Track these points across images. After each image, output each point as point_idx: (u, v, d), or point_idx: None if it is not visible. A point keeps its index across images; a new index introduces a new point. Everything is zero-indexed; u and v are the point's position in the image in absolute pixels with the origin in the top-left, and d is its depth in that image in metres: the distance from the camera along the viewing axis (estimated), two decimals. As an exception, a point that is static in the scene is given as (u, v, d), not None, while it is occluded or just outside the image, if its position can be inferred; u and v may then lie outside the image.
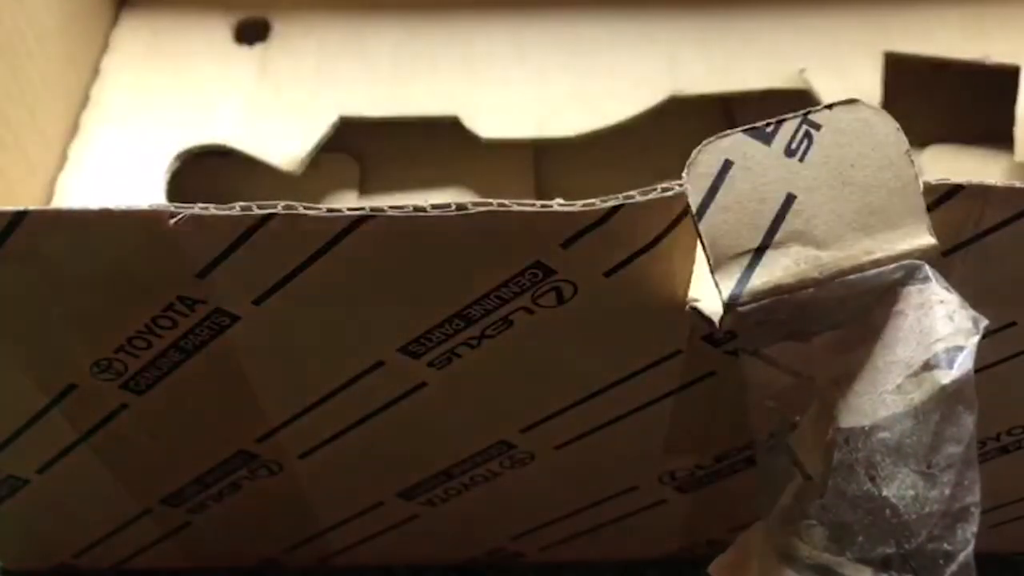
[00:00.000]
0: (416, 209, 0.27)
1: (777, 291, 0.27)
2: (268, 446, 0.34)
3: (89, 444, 0.34)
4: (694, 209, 0.27)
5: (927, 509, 0.27)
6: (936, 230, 0.27)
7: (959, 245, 0.29)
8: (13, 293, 0.30)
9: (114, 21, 0.49)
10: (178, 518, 0.37)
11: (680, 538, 0.38)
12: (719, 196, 0.27)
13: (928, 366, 0.27)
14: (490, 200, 0.27)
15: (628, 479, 0.36)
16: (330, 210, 0.27)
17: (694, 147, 0.27)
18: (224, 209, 0.27)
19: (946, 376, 0.26)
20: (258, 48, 0.48)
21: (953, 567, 0.28)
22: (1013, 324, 0.31)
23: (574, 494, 0.37)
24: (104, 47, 0.48)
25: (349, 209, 0.27)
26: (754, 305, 0.27)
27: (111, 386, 0.32)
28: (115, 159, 0.43)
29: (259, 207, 0.27)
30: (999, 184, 0.28)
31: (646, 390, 0.32)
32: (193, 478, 0.36)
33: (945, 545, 0.27)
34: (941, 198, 0.28)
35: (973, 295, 0.27)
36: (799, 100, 0.44)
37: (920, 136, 0.45)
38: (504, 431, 0.34)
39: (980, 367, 0.28)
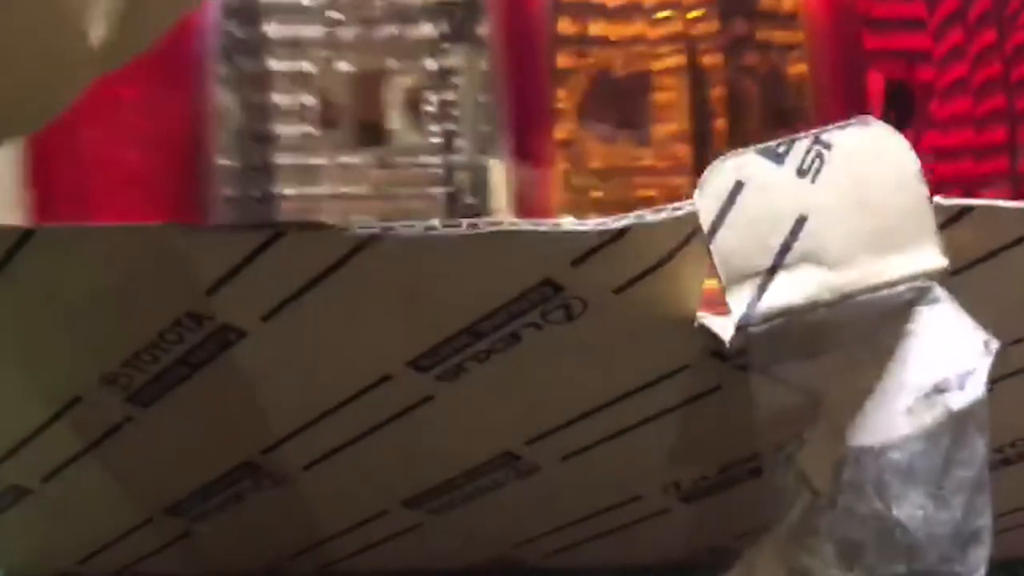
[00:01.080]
0: (427, 227, 0.27)
1: (788, 312, 0.27)
2: (272, 457, 0.34)
3: (93, 455, 0.34)
4: (706, 229, 0.27)
5: (937, 531, 0.27)
6: (945, 249, 0.27)
7: (968, 265, 0.29)
8: (21, 307, 0.30)
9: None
10: (180, 527, 0.37)
11: (683, 546, 0.38)
12: (730, 216, 0.27)
13: (939, 388, 0.27)
14: (501, 219, 0.27)
15: (632, 489, 0.36)
16: (340, 228, 0.27)
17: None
18: (235, 226, 0.27)
19: (957, 399, 0.27)
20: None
21: (962, 587, 0.28)
22: (1021, 340, 0.31)
23: (578, 504, 0.37)
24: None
25: (360, 227, 0.27)
26: (765, 326, 0.27)
27: (116, 400, 0.32)
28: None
29: (270, 225, 0.27)
30: (1009, 205, 0.28)
31: (653, 404, 0.32)
32: (196, 489, 0.35)
33: (956, 567, 0.27)
34: (951, 219, 0.28)
35: (981, 314, 0.28)
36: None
37: (920, 139, 0.45)
38: (509, 443, 0.34)
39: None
